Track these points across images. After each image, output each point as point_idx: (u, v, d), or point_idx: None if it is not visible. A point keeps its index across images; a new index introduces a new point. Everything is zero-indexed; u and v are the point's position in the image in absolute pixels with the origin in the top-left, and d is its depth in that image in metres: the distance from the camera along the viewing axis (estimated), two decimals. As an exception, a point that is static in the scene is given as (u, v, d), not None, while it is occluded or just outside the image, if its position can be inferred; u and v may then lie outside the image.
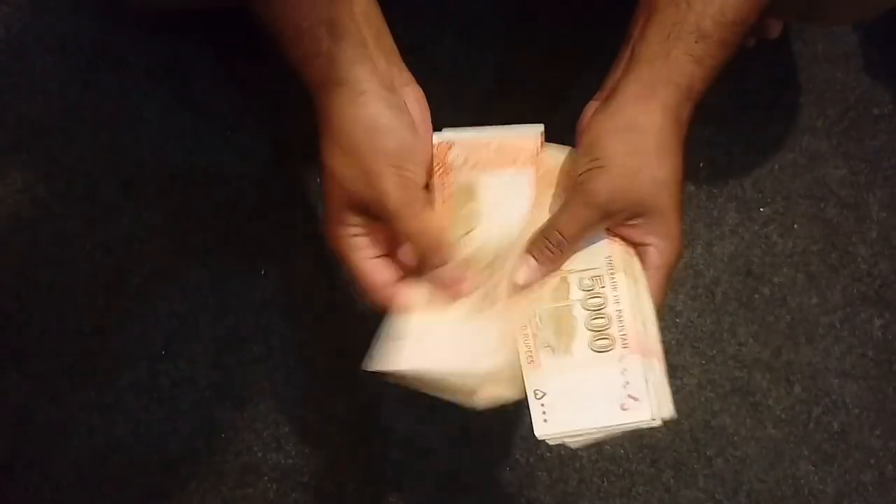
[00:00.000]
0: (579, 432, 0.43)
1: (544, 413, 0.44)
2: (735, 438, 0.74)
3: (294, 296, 0.76)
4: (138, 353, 0.74)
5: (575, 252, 0.46)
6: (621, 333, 0.44)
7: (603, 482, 0.72)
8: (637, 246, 0.47)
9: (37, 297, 0.75)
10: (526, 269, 0.46)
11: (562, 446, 0.72)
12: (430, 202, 0.48)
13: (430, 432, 0.73)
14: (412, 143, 0.46)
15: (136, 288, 0.76)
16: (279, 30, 0.46)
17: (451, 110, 0.81)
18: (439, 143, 0.48)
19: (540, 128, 0.49)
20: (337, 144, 0.46)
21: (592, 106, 0.48)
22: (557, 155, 0.50)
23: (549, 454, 0.73)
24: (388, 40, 0.49)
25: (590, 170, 0.44)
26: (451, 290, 0.46)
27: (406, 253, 0.48)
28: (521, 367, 0.46)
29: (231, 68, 0.82)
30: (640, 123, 0.44)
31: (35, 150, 0.79)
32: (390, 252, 0.49)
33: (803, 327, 0.76)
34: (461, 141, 0.49)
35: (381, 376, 0.45)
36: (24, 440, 0.72)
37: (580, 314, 0.46)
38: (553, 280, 0.47)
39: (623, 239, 0.47)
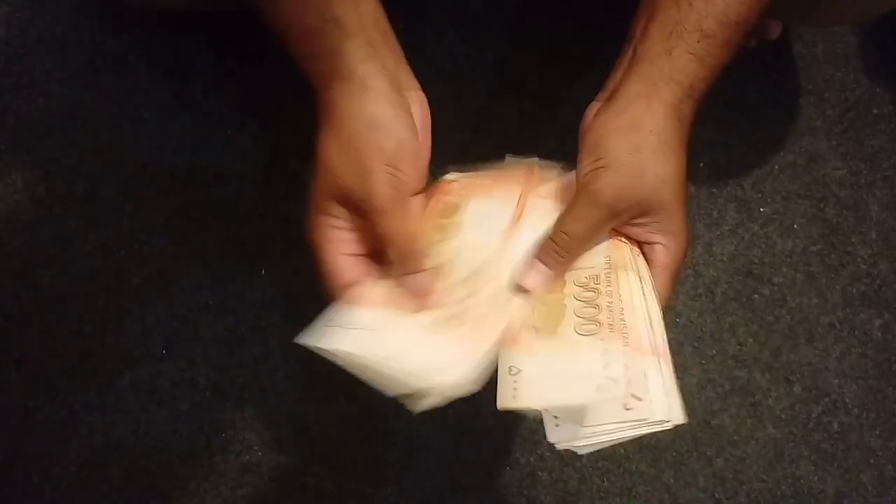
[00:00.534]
0: (589, 436, 0.42)
1: (515, 388, 0.43)
2: (735, 438, 0.74)
3: (294, 296, 0.76)
4: (138, 354, 0.74)
5: (582, 254, 0.46)
6: (610, 321, 0.44)
7: (603, 482, 0.72)
8: (643, 245, 0.47)
9: (37, 298, 0.75)
10: (535, 274, 0.46)
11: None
12: (416, 210, 0.48)
13: (430, 432, 0.73)
14: (410, 145, 0.46)
15: (136, 288, 0.76)
16: (286, 27, 0.46)
17: (452, 110, 0.81)
18: (444, 179, 0.50)
19: (533, 160, 0.50)
20: (335, 136, 0.46)
21: (595, 106, 0.48)
22: (555, 185, 0.50)
23: (548, 454, 0.73)
24: (395, 43, 0.49)
25: (594, 170, 0.44)
26: (417, 299, 0.46)
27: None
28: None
29: (231, 69, 0.82)
30: (642, 122, 0.44)
31: (35, 151, 0.79)
32: (366, 254, 0.48)
33: (803, 327, 0.77)
34: (464, 177, 0.51)
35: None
36: (25, 440, 0.72)
37: (571, 303, 0.46)
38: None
39: (629, 238, 0.47)
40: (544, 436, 0.44)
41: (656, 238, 0.46)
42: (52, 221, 0.77)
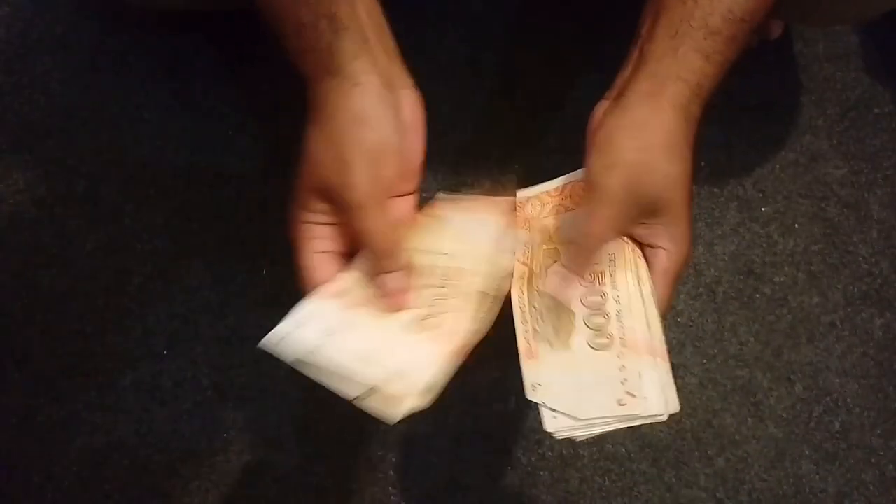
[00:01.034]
0: (584, 426, 0.43)
1: (553, 409, 0.43)
2: (736, 437, 0.74)
3: (295, 296, 0.76)
4: (140, 353, 0.74)
5: (602, 253, 0.46)
6: (620, 333, 0.44)
7: (604, 481, 0.72)
8: (646, 247, 0.46)
9: (38, 297, 0.75)
10: (559, 281, 0.46)
11: (563, 444, 0.72)
12: (399, 211, 0.48)
13: (432, 432, 0.73)
14: (395, 143, 0.46)
15: (137, 288, 0.76)
16: (281, 22, 0.46)
17: (453, 109, 0.81)
18: (433, 201, 0.50)
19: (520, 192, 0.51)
20: (320, 129, 0.46)
21: (602, 105, 0.48)
22: (554, 184, 0.51)
23: (550, 453, 0.73)
24: (390, 41, 0.49)
25: (603, 168, 0.44)
26: (391, 298, 0.46)
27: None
28: (521, 361, 0.45)
29: (232, 69, 0.82)
30: (651, 121, 0.44)
31: (36, 150, 0.79)
32: (343, 252, 0.48)
33: (804, 326, 0.76)
34: (452, 200, 0.51)
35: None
36: (26, 440, 0.72)
37: (579, 310, 0.46)
38: (553, 276, 0.47)
39: (632, 239, 0.47)
40: (546, 435, 0.44)
41: (660, 242, 0.45)
42: (52, 221, 0.77)
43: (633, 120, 0.45)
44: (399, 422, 0.42)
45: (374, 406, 0.43)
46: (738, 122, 0.81)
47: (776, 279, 0.78)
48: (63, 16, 0.82)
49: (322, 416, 0.73)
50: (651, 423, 0.42)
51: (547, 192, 0.52)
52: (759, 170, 0.81)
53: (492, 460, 0.73)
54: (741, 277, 0.78)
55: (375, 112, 0.45)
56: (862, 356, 0.76)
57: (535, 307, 0.46)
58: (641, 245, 0.47)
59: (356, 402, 0.43)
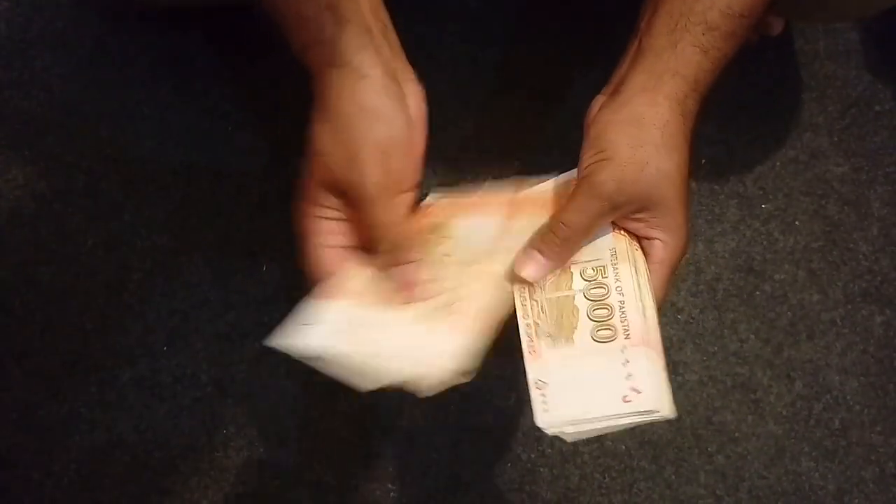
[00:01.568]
0: (580, 422, 0.42)
1: (545, 403, 0.43)
2: (736, 435, 0.74)
3: (295, 292, 0.75)
4: (140, 350, 0.74)
5: (581, 245, 0.46)
6: (623, 324, 0.44)
7: (604, 478, 0.72)
8: (642, 239, 0.47)
9: (38, 294, 0.75)
10: (533, 265, 0.45)
11: (563, 441, 0.72)
12: (405, 206, 0.47)
13: (432, 429, 0.73)
14: (405, 135, 0.46)
15: (137, 284, 0.75)
16: (284, 15, 0.46)
17: (453, 106, 0.81)
18: (425, 203, 0.50)
19: (517, 182, 0.51)
20: (329, 122, 0.46)
21: (600, 100, 0.48)
22: (554, 181, 0.51)
23: (550, 450, 0.73)
24: (393, 35, 0.49)
25: (595, 162, 0.44)
26: (404, 291, 0.46)
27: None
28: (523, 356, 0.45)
29: (233, 65, 0.81)
30: (646, 116, 0.44)
31: (36, 147, 0.79)
32: (353, 246, 0.48)
33: (804, 324, 0.77)
34: (445, 199, 0.51)
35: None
36: (26, 436, 0.72)
37: (582, 304, 0.46)
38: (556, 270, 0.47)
39: (628, 232, 0.47)
40: (545, 433, 0.44)
41: (655, 234, 0.46)
42: (52, 217, 0.77)
43: (628, 115, 0.45)
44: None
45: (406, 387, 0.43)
46: (739, 120, 0.81)
47: (776, 276, 0.78)
48: (63, 12, 0.82)
49: (322, 412, 0.73)
50: (651, 423, 0.42)
51: (547, 188, 0.52)
52: (760, 167, 0.81)
53: (492, 457, 0.73)
54: (741, 275, 0.78)
55: (384, 105, 0.45)
56: (862, 353, 0.76)
57: (536, 301, 0.46)
58: (638, 238, 0.47)
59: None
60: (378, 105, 0.45)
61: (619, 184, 0.44)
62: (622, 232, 0.47)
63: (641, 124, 0.44)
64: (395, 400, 0.74)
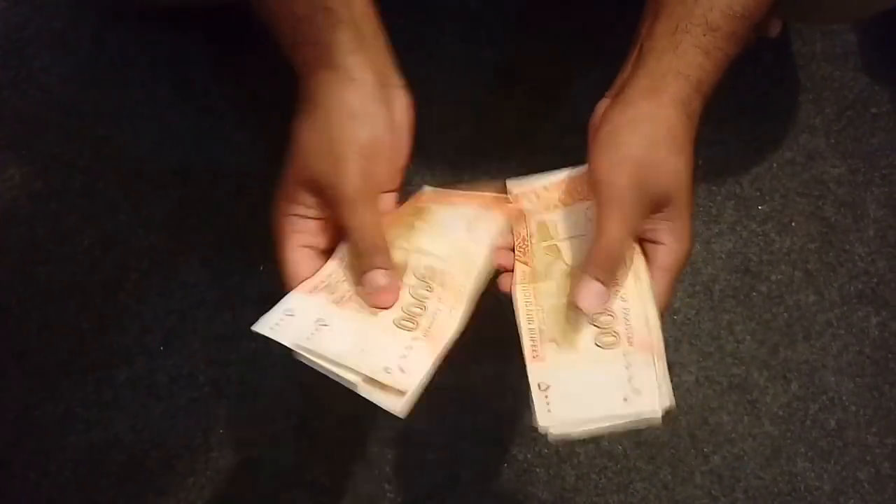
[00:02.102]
0: (581, 423, 0.42)
1: (548, 405, 0.43)
2: (732, 435, 0.74)
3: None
4: (136, 350, 0.74)
5: (626, 260, 0.45)
6: (627, 331, 0.44)
7: (601, 478, 0.73)
8: (646, 243, 0.46)
9: (35, 293, 0.75)
10: (592, 295, 0.43)
11: (559, 442, 0.72)
12: (383, 208, 0.47)
13: (429, 429, 0.73)
14: (386, 140, 0.46)
15: (134, 284, 0.75)
16: (276, 15, 0.46)
17: (452, 107, 0.81)
18: (418, 193, 0.50)
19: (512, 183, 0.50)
20: (313, 121, 0.46)
21: (604, 103, 0.48)
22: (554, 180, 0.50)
23: (546, 450, 0.73)
24: (384, 40, 0.49)
25: (608, 167, 0.44)
26: (378, 296, 0.45)
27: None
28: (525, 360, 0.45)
29: (231, 65, 0.82)
30: (653, 116, 0.44)
31: (33, 146, 0.79)
32: (327, 248, 0.48)
33: (801, 325, 0.77)
34: (437, 192, 0.51)
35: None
36: (23, 436, 0.72)
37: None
38: (558, 274, 0.47)
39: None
40: (542, 433, 0.43)
41: (662, 238, 0.45)
42: (49, 217, 0.77)
43: (635, 115, 0.45)
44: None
45: (374, 396, 0.43)
46: (736, 121, 0.82)
47: (773, 277, 0.78)
48: (61, 11, 0.82)
49: (319, 412, 0.73)
50: (648, 425, 0.42)
51: (543, 186, 0.51)
52: (757, 168, 0.81)
53: (488, 457, 0.73)
54: (738, 276, 0.78)
55: (370, 108, 0.45)
56: (858, 354, 0.76)
57: (540, 307, 0.46)
58: (641, 241, 0.46)
59: (357, 391, 0.43)
60: (364, 109, 0.45)
61: (639, 185, 0.43)
62: None
63: (650, 124, 0.44)
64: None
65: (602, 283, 0.43)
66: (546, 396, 0.43)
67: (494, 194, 0.53)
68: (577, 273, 0.45)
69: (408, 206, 0.52)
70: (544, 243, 0.49)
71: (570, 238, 0.49)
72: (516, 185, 0.53)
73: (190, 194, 0.78)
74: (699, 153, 0.80)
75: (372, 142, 0.45)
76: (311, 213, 0.46)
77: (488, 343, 0.73)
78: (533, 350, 0.45)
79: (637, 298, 0.45)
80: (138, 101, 0.80)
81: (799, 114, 0.82)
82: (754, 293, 0.77)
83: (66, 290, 0.75)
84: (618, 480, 0.73)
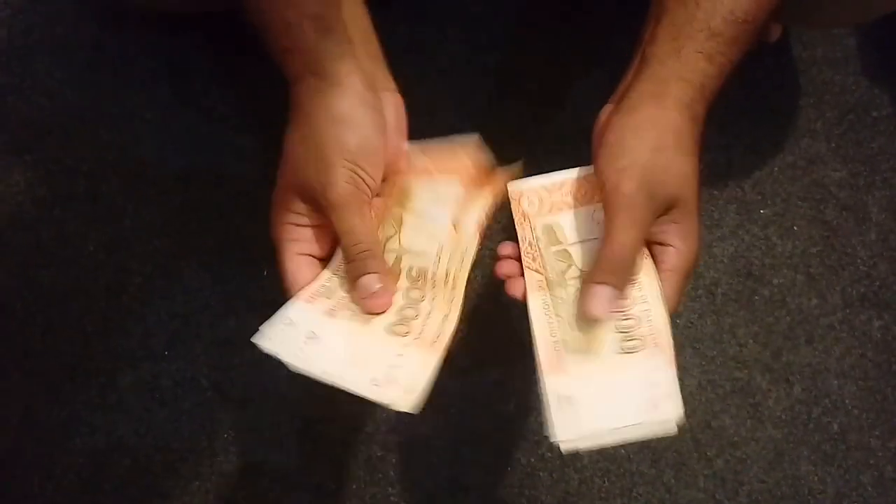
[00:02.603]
0: (604, 434, 0.41)
1: (573, 418, 0.42)
2: (735, 439, 0.74)
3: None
4: (140, 354, 0.74)
5: (637, 264, 0.44)
6: (651, 333, 0.43)
7: (604, 482, 0.73)
8: (654, 245, 0.46)
9: (39, 297, 0.75)
10: (603, 302, 0.43)
11: (572, 451, 0.72)
12: (374, 209, 0.47)
13: (432, 433, 0.73)
14: (375, 144, 0.46)
15: (137, 288, 0.76)
16: (266, 23, 0.46)
17: (452, 111, 0.82)
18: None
19: (473, 137, 0.49)
20: (300, 129, 0.46)
21: (607, 109, 0.48)
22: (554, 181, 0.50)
23: (549, 454, 0.73)
24: (374, 44, 0.49)
25: (617, 172, 0.44)
26: (373, 301, 0.45)
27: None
28: (541, 370, 0.44)
29: (232, 68, 0.82)
30: (657, 121, 0.44)
31: (37, 151, 0.79)
32: (325, 255, 0.48)
33: (803, 328, 0.77)
34: (417, 151, 0.50)
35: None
36: (26, 439, 0.72)
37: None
38: (573, 281, 0.47)
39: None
40: (545, 436, 0.43)
41: (671, 240, 0.45)
42: (53, 221, 0.77)
43: (640, 120, 0.45)
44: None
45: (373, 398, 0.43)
46: (737, 125, 0.82)
47: (775, 281, 0.78)
48: (64, 17, 0.82)
49: (322, 416, 0.73)
50: (664, 433, 0.41)
51: (544, 187, 0.51)
52: (758, 172, 0.81)
53: (492, 461, 0.73)
54: (740, 279, 0.78)
55: (356, 112, 0.45)
56: (860, 358, 0.76)
57: (560, 317, 0.45)
58: (649, 244, 0.46)
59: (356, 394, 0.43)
60: (350, 113, 0.45)
61: (647, 189, 0.43)
62: None
63: (656, 129, 0.44)
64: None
65: (613, 287, 0.43)
66: (570, 409, 0.42)
67: (474, 165, 0.52)
68: (587, 278, 0.45)
69: (391, 186, 0.50)
70: (553, 248, 0.49)
71: (581, 242, 0.48)
72: (516, 185, 0.52)
73: (192, 198, 0.78)
74: (701, 157, 0.81)
75: (358, 146, 0.45)
76: (306, 220, 0.47)
77: (491, 347, 0.74)
78: (554, 362, 0.44)
79: (643, 304, 0.44)
80: (140, 105, 0.80)
81: (800, 118, 0.83)
82: (756, 297, 0.78)
83: (69, 293, 0.75)
84: (621, 484, 0.73)
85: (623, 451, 0.73)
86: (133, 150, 0.79)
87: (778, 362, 0.76)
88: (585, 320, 0.45)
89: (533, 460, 0.73)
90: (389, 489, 0.72)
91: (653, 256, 0.46)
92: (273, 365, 0.73)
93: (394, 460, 0.73)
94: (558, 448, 0.43)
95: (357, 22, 0.47)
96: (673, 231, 0.45)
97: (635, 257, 0.44)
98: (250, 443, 0.72)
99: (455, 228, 0.49)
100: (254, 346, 0.74)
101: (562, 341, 0.44)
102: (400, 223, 0.50)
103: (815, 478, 0.73)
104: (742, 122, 0.82)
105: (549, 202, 0.51)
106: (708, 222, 0.79)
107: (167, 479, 0.71)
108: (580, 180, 0.50)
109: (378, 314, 0.46)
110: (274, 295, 0.75)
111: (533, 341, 0.45)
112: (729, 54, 0.45)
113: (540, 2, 0.85)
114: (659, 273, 0.45)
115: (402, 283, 0.48)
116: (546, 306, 0.46)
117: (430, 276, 0.48)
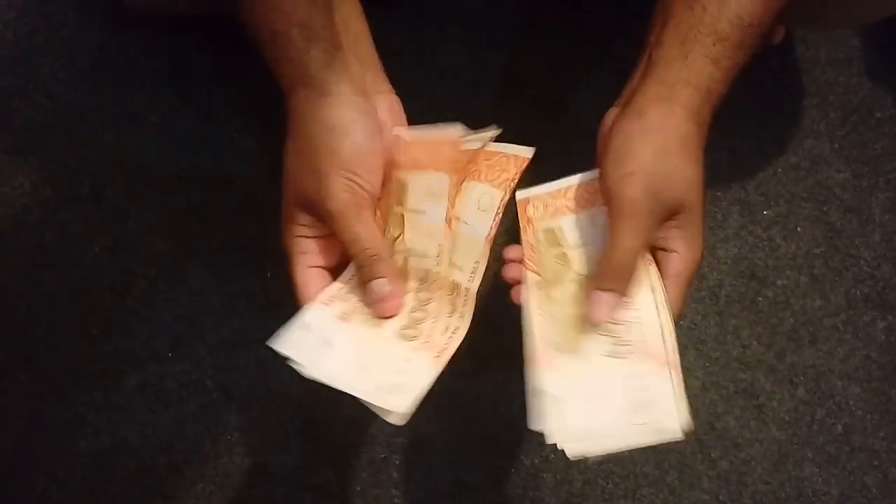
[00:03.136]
0: (591, 439, 0.42)
1: (557, 416, 0.43)
2: (739, 440, 0.74)
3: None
4: (145, 355, 0.74)
5: (636, 269, 0.45)
6: (641, 340, 0.44)
7: (608, 484, 0.73)
8: (658, 251, 0.46)
9: (43, 299, 0.75)
10: (604, 307, 0.44)
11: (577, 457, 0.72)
12: (375, 212, 0.47)
13: (435, 434, 0.73)
14: (369, 149, 0.46)
15: (142, 289, 0.76)
16: (256, 31, 0.46)
17: (453, 112, 0.81)
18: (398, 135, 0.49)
19: (458, 128, 0.49)
20: (295, 142, 0.46)
21: (613, 112, 0.48)
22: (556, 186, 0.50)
23: (553, 456, 0.73)
24: (367, 46, 0.49)
25: (623, 177, 0.44)
26: (383, 305, 0.45)
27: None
28: (532, 369, 0.45)
29: (235, 70, 0.82)
30: (664, 125, 0.44)
31: (41, 153, 0.79)
32: (334, 265, 0.48)
33: (807, 330, 0.77)
34: (412, 137, 0.50)
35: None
36: (31, 441, 0.72)
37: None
38: (569, 284, 0.47)
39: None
40: (548, 443, 0.43)
41: (674, 246, 0.45)
42: (57, 223, 0.77)
43: (646, 125, 0.45)
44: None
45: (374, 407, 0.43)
46: (741, 127, 0.82)
47: (778, 282, 0.78)
48: (67, 19, 0.82)
49: (326, 417, 0.73)
50: (668, 439, 0.41)
51: (549, 193, 0.51)
52: (762, 174, 0.81)
53: (495, 462, 0.73)
54: (743, 281, 0.78)
55: (345, 120, 0.45)
56: (864, 359, 0.76)
57: (553, 316, 0.46)
58: (654, 249, 0.46)
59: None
60: (341, 121, 0.45)
61: (652, 195, 0.43)
62: None
63: (661, 134, 0.44)
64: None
65: (616, 293, 0.43)
66: (554, 406, 0.43)
67: (462, 151, 0.51)
68: (589, 282, 0.45)
69: (390, 185, 0.50)
70: (553, 251, 0.49)
71: (581, 246, 0.49)
72: (524, 194, 0.53)
73: (196, 200, 0.78)
74: (704, 159, 0.81)
75: (353, 153, 0.45)
76: (311, 232, 0.47)
77: (495, 349, 0.74)
78: (546, 361, 0.44)
79: (651, 309, 0.44)
80: (144, 107, 0.80)
81: (803, 119, 0.83)
82: (760, 298, 0.78)
83: (74, 295, 0.75)
84: (625, 485, 0.73)
85: (627, 452, 0.73)
86: (136, 151, 0.79)
87: (782, 363, 0.76)
88: (578, 322, 0.45)
89: (537, 462, 0.73)
90: (393, 490, 0.72)
91: (656, 262, 0.46)
92: (277, 366, 0.74)
93: (398, 462, 0.73)
94: (562, 451, 0.43)
95: (350, 24, 0.47)
96: (677, 236, 0.45)
97: (638, 263, 0.44)
98: (255, 444, 0.72)
99: (448, 224, 0.49)
100: (258, 347, 0.74)
101: (553, 341, 0.45)
102: (402, 223, 0.50)
103: (819, 479, 0.73)
104: (745, 124, 0.82)
105: (552, 207, 0.51)
106: (711, 223, 0.79)
107: (172, 481, 0.72)
108: (583, 185, 0.50)
109: (390, 317, 0.46)
110: (278, 296, 0.76)
111: (524, 338, 0.45)
112: (735, 58, 0.45)
113: (541, 2, 0.84)
114: (663, 279, 0.45)
115: (412, 283, 0.48)
116: (540, 305, 0.46)
117: (432, 276, 0.48)
